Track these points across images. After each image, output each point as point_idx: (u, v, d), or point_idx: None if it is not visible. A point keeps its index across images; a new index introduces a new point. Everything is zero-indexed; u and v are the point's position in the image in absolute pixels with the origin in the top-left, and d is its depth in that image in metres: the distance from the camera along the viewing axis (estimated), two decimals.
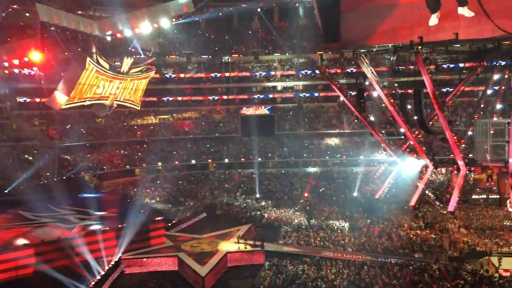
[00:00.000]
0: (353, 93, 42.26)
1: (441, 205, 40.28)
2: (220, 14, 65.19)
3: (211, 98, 62.27)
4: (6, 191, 37.94)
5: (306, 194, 46.68)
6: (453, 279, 26.11)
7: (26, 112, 52.31)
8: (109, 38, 37.48)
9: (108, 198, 42.04)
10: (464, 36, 31.74)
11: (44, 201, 37.27)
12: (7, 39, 45.19)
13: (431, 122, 40.17)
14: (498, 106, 42.49)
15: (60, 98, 36.88)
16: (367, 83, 40.98)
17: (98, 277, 27.44)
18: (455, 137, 36.14)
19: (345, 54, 58.34)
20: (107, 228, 32.22)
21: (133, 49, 40.56)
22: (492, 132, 38.74)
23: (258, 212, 42.49)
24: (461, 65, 47.00)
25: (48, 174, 43.82)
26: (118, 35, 37.66)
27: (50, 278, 26.15)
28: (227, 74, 61.24)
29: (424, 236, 34.38)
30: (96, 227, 32.46)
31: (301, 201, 45.50)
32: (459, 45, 35.33)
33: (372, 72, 38.10)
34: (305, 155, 56.38)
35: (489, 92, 42.93)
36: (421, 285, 25.40)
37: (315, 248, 32.58)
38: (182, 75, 60.46)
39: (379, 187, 45.13)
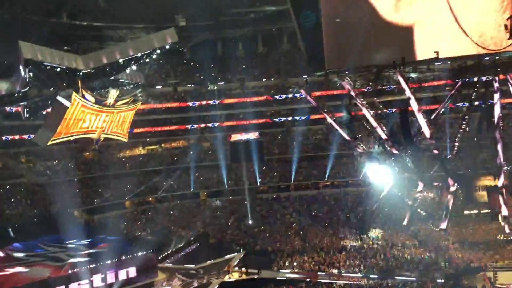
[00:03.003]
0: (340, 115, 42.50)
1: (433, 222, 40.27)
2: (204, 42, 65.87)
3: (199, 126, 62.13)
4: None
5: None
6: None
7: (12, 150, 51.78)
8: (94, 71, 37.39)
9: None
10: (444, 55, 32.28)
11: (33, 239, 36.67)
12: None
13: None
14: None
15: (46, 134, 36.55)
16: (353, 104, 41.26)
17: None
18: (444, 153, 36.43)
19: (330, 77, 58.90)
20: (99, 264, 31.69)
21: (118, 82, 40.47)
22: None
23: (251, 239, 42.12)
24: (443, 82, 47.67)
25: (36, 211, 43.16)
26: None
27: None
28: (213, 102, 61.36)
29: (418, 254, 34.27)
30: (86, 264, 31.87)
31: (293, 226, 45.25)
32: (440, 63, 35.92)
33: (357, 93, 38.42)
34: (296, 178, 56.19)
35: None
36: None
37: (310, 272, 32.31)
38: (168, 105, 60.49)
39: (372, 207, 45.02)
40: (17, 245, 35.21)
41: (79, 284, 30.18)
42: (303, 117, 61.33)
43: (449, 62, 36.15)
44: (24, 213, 42.09)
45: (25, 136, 49.15)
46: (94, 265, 31.69)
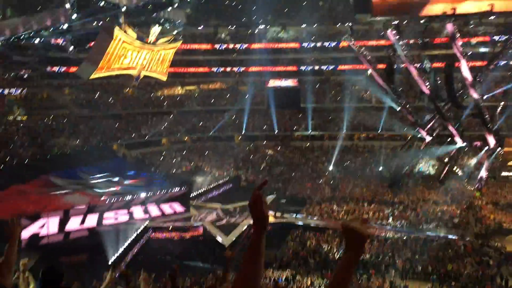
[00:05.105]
0: (382, 66, 41.40)
1: (469, 181, 39.70)
2: None
3: (237, 69, 61.87)
4: (37, 158, 38.94)
5: None
6: (478, 255, 25.95)
7: (56, 81, 53.08)
8: (137, 8, 37.41)
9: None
10: (499, 8, 30.58)
11: (74, 168, 38.22)
12: (36, 9, 45.57)
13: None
14: None
15: (89, 68, 37.29)
16: (396, 56, 40.04)
17: (127, 243, 28.24)
18: (486, 113, 35.31)
19: (374, 26, 56.94)
20: (135, 197, 33.00)
21: (160, 20, 40.44)
22: None
23: (282, 185, 42.73)
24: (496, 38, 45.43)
25: (77, 142, 44.76)
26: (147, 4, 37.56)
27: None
28: (253, 45, 60.63)
29: (450, 212, 34.08)
30: (123, 195, 33.22)
31: (325, 174, 45.48)
32: (494, 17, 34.11)
33: (402, 45, 37.13)
34: (330, 128, 55.82)
35: None
36: (445, 261, 25.38)
37: (338, 221, 32.73)
38: (208, 46, 60.23)
39: (406, 162, 44.57)
40: (58, 173, 36.79)
41: (115, 214, 31.61)
42: (343, 66, 60.05)
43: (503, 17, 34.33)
44: (66, 143, 43.67)
45: (69, 69, 50.16)
46: (130, 197, 32.98)
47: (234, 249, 27.96)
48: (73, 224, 29.12)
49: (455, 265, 24.68)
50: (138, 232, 29.92)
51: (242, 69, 61.44)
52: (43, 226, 27.51)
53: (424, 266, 25.25)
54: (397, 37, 36.63)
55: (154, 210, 33.48)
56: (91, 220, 29.93)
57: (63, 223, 28.68)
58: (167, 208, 34.14)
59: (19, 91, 47.68)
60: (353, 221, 2.08)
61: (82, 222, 29.56)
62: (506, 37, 37.84)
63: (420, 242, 28.43)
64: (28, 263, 5.12)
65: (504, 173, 41.26)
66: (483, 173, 37.51)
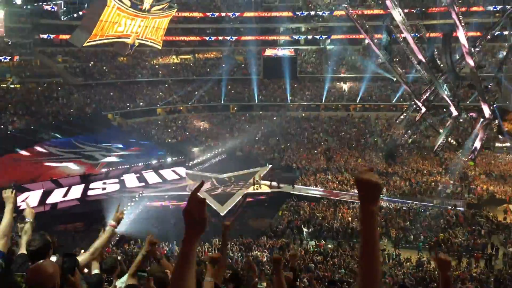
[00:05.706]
0: (379, 36, 40.94)
1: (463, 151, 39.88)
2: None
3: (229, 38, 60.88)
4: (32, 127, 38.71)
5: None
6: (470, 224, 26.34)
7: (49, 49, 52.23)
8: None
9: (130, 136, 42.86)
10: None
11: (68, 137, 38.09)
12: None
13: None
14: None
15: (82, 35, 36.79)
16: (394, 25, 39.58)
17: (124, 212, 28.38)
18: (482, 84, 35.17)
19: None
20: (131, 165, 33.05)
21: None
22: None
23: (278, 155, 42.84)
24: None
25: (72, 111, 44.44)
26: None
27: None
28: (250, 14, 59.66)
29: (443, 182, 34.40)
30: (119, 164, 33.26)
31: (321, 145, 45.60)
32: None
33: (400, 14, 36.63)
34: (326, 98, 55.59)
35: None
36: (437, 229, 25.77)
37: (333, 191, 33.02)
38: (201, 14, 59.23)
39: (401, 133, 44.72)
40: (54, 141, 36.69)
41: (106, 183, 31.55)
42: (340, 36, 59.35)
43: None
44: (61, 112, 43.36)
45: (60, 36, 49.30)
46: (126, 166, 33.04)
47: (230, 219, 28.27)
48: (66, 192, 29.13)
49: (447, 234, 25.07)
50: (134, 201, 30.12)
51: (235, 38, 60.48)
52: (35, 195, 27.47)
53: (417, 235, 25.66)
54: (395, 5, 36.08)
55: (150, 179, 33.63)
56: (80, 190, 29.90)
57: (53, 192, 28.67)
58: (163, 176, 34.28)
59: (9, 59, 46.64)
60: (364, 173, 1.96)
61: (67, 193, 29.43)
62: (501, 6, 37.37)
63: (413, 212, 28.80)
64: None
65: (498, 144, 41.48)
66: (477, 143, 37.61)
